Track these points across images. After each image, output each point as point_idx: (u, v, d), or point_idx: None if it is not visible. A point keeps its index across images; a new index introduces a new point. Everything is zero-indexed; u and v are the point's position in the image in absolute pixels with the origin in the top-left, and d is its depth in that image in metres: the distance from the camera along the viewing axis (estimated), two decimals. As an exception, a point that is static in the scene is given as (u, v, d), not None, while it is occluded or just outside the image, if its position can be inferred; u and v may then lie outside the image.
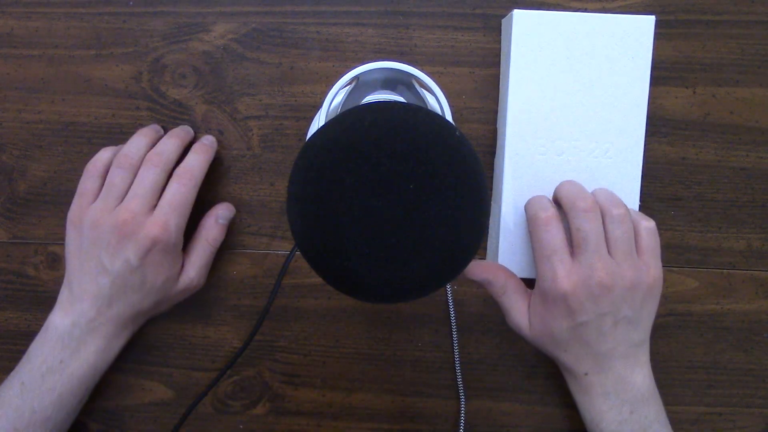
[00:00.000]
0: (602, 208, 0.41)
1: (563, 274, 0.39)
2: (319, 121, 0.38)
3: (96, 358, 0.43)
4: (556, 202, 0.43)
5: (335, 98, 0.37)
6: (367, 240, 0.26)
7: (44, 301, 0.49)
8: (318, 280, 0.48)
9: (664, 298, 0.48)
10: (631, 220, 0.41)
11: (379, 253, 0.26)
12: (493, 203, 0.47)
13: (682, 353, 0.49)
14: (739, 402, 0.49)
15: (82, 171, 0.47)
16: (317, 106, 0.47)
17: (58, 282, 0.48)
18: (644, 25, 0.43)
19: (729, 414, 0.49)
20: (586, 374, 0.41)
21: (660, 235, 0.48)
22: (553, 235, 0.40)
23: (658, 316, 0.48)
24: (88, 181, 0.43)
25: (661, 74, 0.46)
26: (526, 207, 0.42)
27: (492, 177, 0.47)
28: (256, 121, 0.47)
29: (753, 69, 0.46)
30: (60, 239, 0.48)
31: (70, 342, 0.42)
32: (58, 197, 0.48)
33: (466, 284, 0.48)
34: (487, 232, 0.48)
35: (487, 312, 0.49)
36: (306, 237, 0.27)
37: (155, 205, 0.42)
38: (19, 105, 0.47)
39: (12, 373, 0.43)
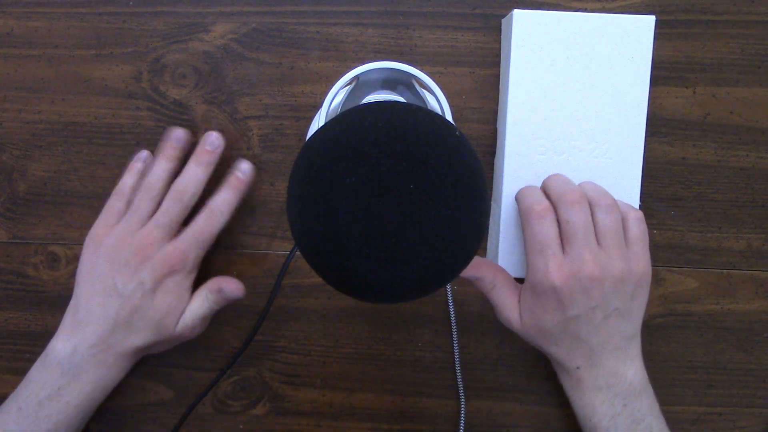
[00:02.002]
0: (590, 199, 0.41)
1: (554, 267, 0.39)
2: (319, 121, 0.38)
3: (94, 387, 0.43)
4: (544, 194, 0.43)
5: (335, 98, 0.37)
6: (367, 240, 0.26)
7: (44, 301, 0.49)
8: (318, 280, 0.48)
9: (664, 298, 0.48)
10: (619, 210, 0.41)
11: (379, 253, 0.26)
12: (493, 203, 0.47)
13: (682, 353, 0.49)
14: (739, 402, 0.49)
15: (82, 171, 0.48)
16: (317, 106, 0.47)
17: (58, 282, 0.49)
18: (644, 25, 0.43)
19: (729, 414, 0.49)
20: (577, 368, 0.41)
21: (660, 235, 0.48)
22: (547, 228, 0.40)
23: (658, 316, 0.48)
24: (116, 203, 0.44)
25: (661, 74, 0.46)
26: (518, 198, 0.42)
27: (492, 177, 0.47)
28: (256, 121, 0.47)
29: (753, 69, 0.46)
30: (59, 239, 0.48)
31: (70, 369, 0.42)
32: (58, 197, 0.48)
33: (467, 284, 0.48)
34: (487, 232, 0.48)
35: (487, 312, 0.49)
36: (306, 237, 0.27)
37: (175, 235, 0.43)
38: (19, 105, 0.47)
39: (10, 397, 0.43)
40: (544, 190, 0.42)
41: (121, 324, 0.42)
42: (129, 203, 0.44)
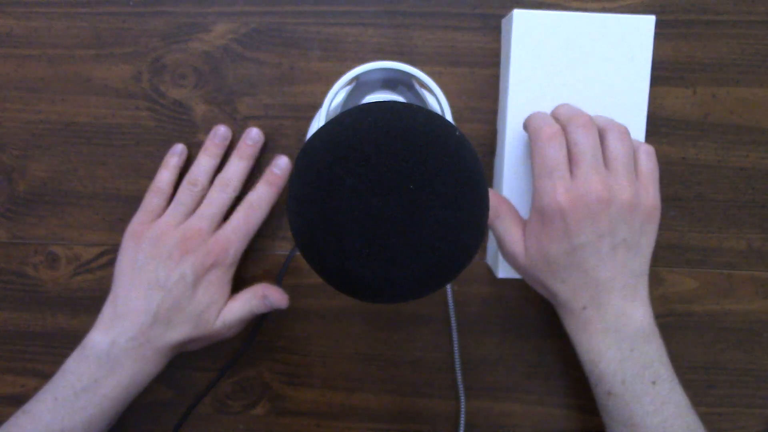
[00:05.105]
0: (601, 126, 0.40)
1: (562, 189, 0.38)
2: (319, 121, 0.38)
3: (130, 381, 0.42)
4: None
5: (335, 98, 0.37)
6: (367, 240, 0.26)
7: (44, 301, 0.49)
8: (318, 280, 0.48)
9: (664, 298, 0.48)
10: (631, 140, 0.40)
11: (379, 253, 0.26)
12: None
13: (682, 353, 0.49)
14: (739, 402, 0.49)
15: (82, 171, 0.48)
16: (317, 106, 0.47)
17: (57, 282, 0.49)
18: (644, 25, 0.43)
19: (729, 414, 0.49)
20: (584, 308, 0.40)
21: (660, 235, 0.48)
22: (557, 150, 0.39)
23: (658, 316, 0.48)
24: (153, 199, 0.45)
25: (661, 74, 0.46)
26: (527, 122, 0.42)
27: (492, 177, 0.47)
28: (256, 121, 0.47)
29: (753, 69, 0.46)
30: (59, 239, 0.48)
31: (107, 361, 0.42)
32: (58, 197, 0.48)
33: (466, 284, 0.49)
34: (487, 232, 0.48)
35: (487, 312, 0.49)
36: (306, 237, 0.27)
37: (218, 227, 0.44)
38: (19, 105, 0.47)
39: (45, 387, 0.42)
40: (554, 115, 0.42)
41: (161, 317, 0.42)
42: (167, 199, 0.45)
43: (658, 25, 0.45)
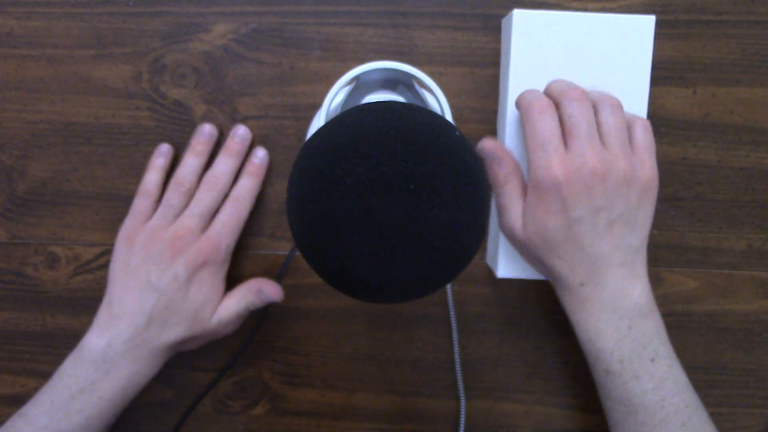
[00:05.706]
0: (594, 99, 0.40)
1: (557, 162, 0.38)
2: (319, 121, 0.38)
3: (127, 382, 0.42)
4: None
5: (335, 98, 0.37)
6: (367, 240, 0.26)
7: (44, 301, 0.49)
8: (318, 280, 0.48)
9: (664, 298, 0.48)
10: (624, 113, 0.40)
11: (379, 253, 0.26)
12: (493, 203, 0.47)
13: (682, 353, 0.49)
14: (739, 402, 0.49)
15: (82, 171, 0.48)
16: (317, 106, 0.47)
17: (57, 282, 0.49)
18: (644, 25, 0.43)
19: (729, 414, 0.49)
20: (581, 285, 0.39)
21: (660, 235, 0.48)
22: (548, 123, 0.39)
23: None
24: (141, 202, 0.45)
25: (661, 74, 0.46)
26: (518, 100, 0.41)
27: (492, 177, 0.47)
28: (256, 121, 0.47)
29: (753, 69, 0.46)
30: (59, 239, 0.48)
31: (104, 363, 0.42)
32: (58, 197, 0.48)
33: (466, 284, 0.48)
34: (487, 232, 0.48)
35: (487, 312, 0.49)
36: (306, 237, 0.27)
37: (208, 225, 0.44)
38: (19, 105, 0.47)
39: (42, 390, 0.42)
40: (547, 92, 0.42)
41: (156, 318, 0.42)
42: (155, 201, 0.45)
43: (658, 25, 0.45)
